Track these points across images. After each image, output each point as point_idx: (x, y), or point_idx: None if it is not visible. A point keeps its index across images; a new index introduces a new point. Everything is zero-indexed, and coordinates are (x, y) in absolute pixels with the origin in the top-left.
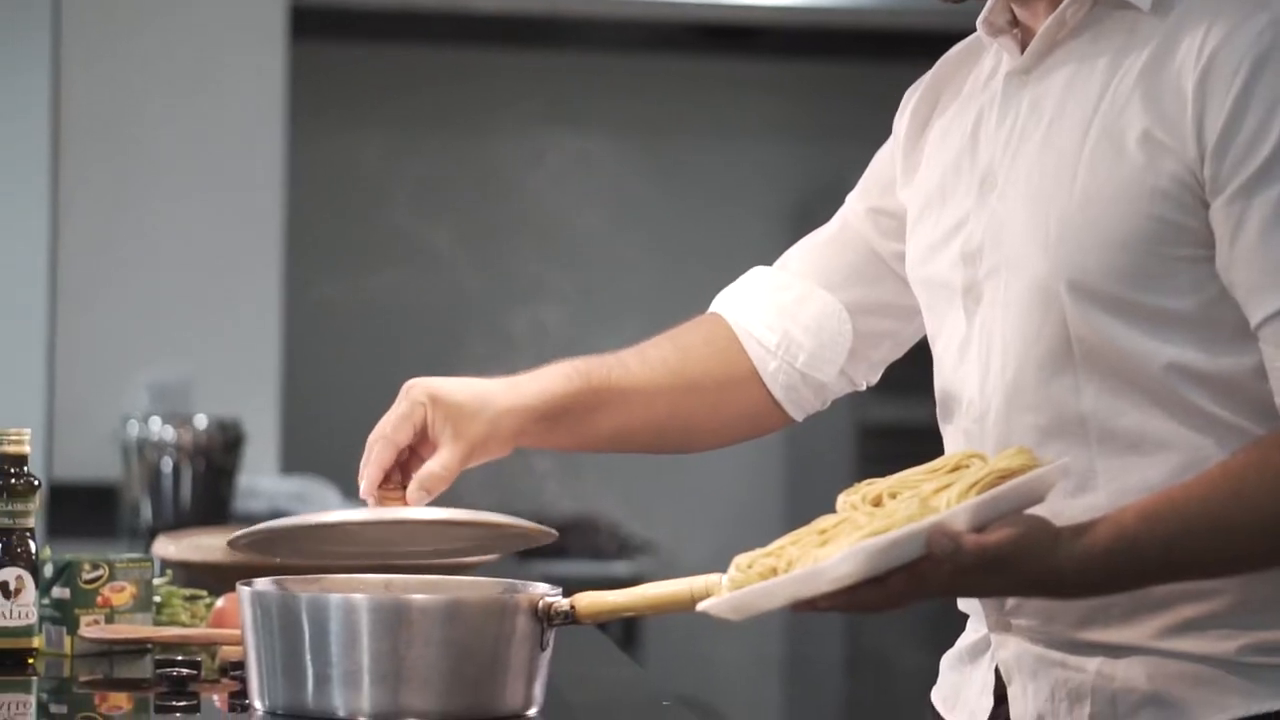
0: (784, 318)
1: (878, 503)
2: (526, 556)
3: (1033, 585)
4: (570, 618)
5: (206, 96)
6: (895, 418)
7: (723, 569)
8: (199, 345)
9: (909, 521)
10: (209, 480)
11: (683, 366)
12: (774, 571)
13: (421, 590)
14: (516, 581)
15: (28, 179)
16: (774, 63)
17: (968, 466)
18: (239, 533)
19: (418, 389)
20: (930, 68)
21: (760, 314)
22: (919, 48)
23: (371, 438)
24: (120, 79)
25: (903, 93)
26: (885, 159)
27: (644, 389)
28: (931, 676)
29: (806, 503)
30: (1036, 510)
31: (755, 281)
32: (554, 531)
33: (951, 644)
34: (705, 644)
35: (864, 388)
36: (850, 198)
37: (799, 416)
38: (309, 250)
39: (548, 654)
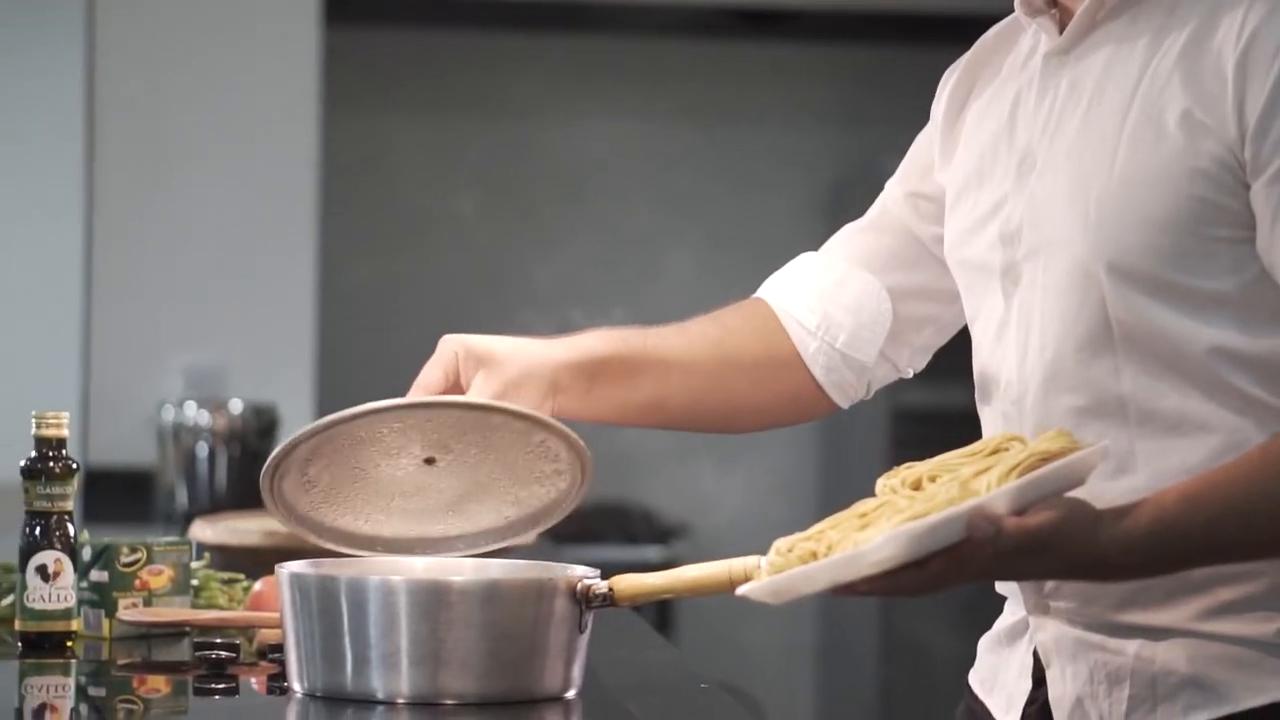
0: (824, 299)
1: (917, 486)
2: (560, 541)
3: (1074, 568)
4: (609, 600)
5: (240, 82)
6: (929, 402)
7: (757, 552)
8: (233, 330)
9: (949, 505)
10: (244, 464)
11: (723, 340)
12: (814, 555)
13: (460, 573)
14: (554, 564)
15: (63, 165)
16: (809, 47)
17: (1007, 449)
18: (278, 450)
19: (451, 339)
20: (965, 52)
21: (801, 296)
22: (954, 32)
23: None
24: (154, 65)
25: (937, 77)
26: (924, 143)
27: (683, 359)
28: (966, 660)
29: (841, 486)
30: (1076, 493)
31: (798, 266)
32: (588, 454)
33: (986, 627)
34: (739, 629)
35: (910, 374)
36: (890, 183)
37: (843, 402)
38: (343, 234)
39: (586, 636)
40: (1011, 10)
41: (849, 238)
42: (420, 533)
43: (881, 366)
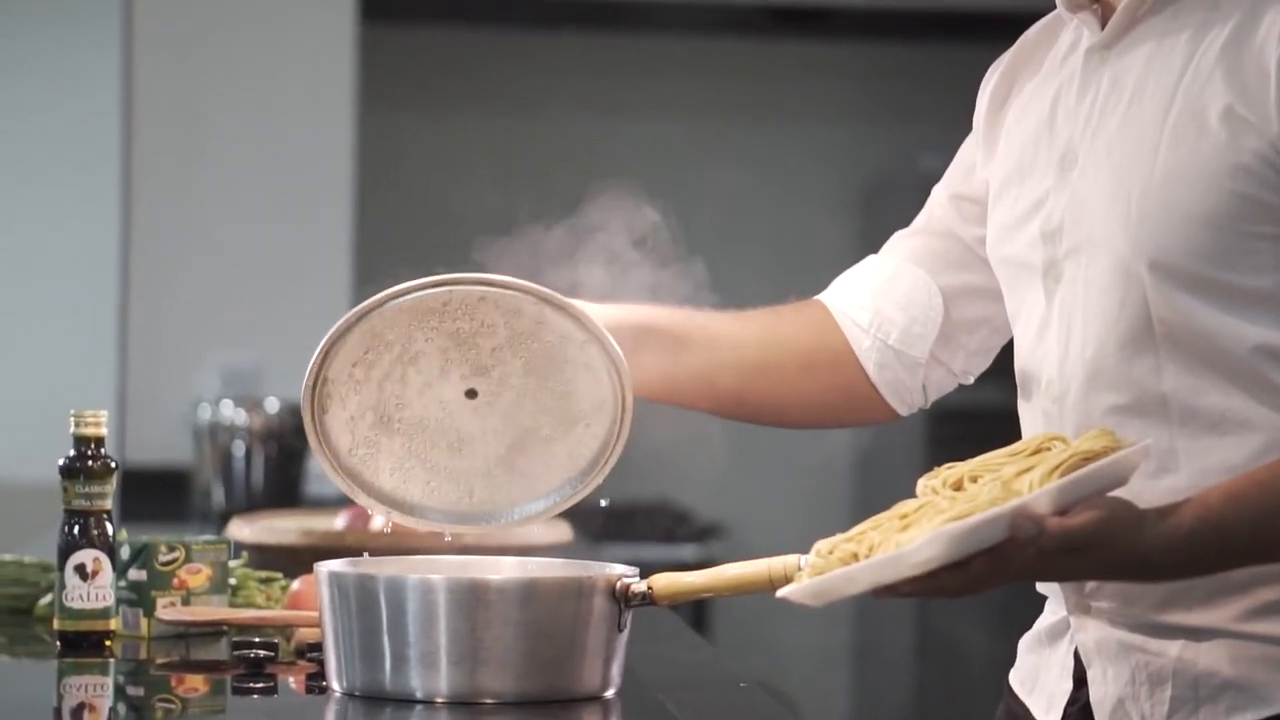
0: (877, 296)
1: (959, 486)
2: (596, 540)
3: (1117, 568)
4: (648, 599)
5: (276, 81)
6: (966, 401)
7: (793, 552)
8: (269, 329)
9: (991, 505)
10: (280, 463)
11: (775, 327)
12: (855, 557)
13: (499, 571)
14: (593, 563)
15: (100, 166)
16: (843, 46)
17: (1049, 449)
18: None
19: None
20: (1001, 50)
21: (855, 295)
22: (989, 29)
23: None
24: (191, 66)
25: (971, 75)
26: (968, 145)
27: (733, 338)
28: (1003, 660)
29: (877, 486)
30: (1118, 493)
31: (856, 267)
32: (623, 361)
33: (1022, 626)
34: (775, 628)
35: (969, 380)
36: (936, 188)
37: (899, 407)
38: (379, 233)
39: (625, 635)
40: (1051, 7)
41: (899, 242)
42: (469, 499)
43: (935, 370)
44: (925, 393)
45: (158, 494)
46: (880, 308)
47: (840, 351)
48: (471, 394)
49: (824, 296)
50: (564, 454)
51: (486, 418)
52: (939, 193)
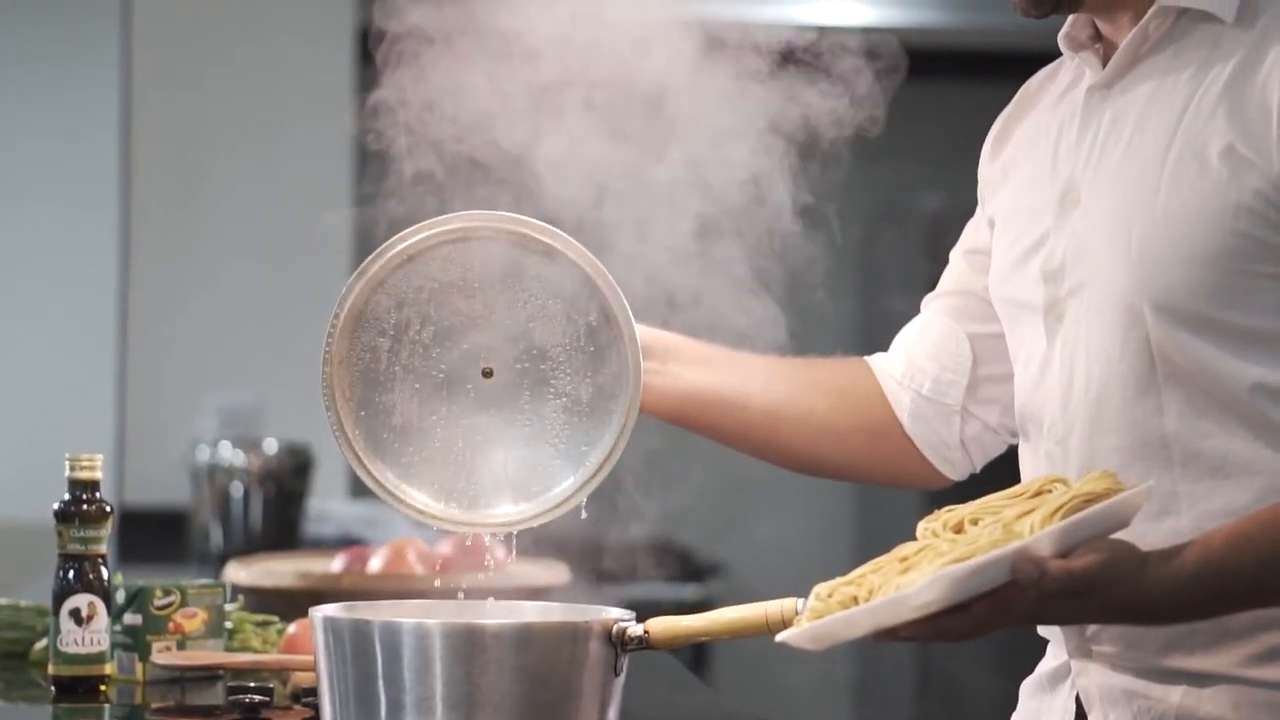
0: (909, 350)
1: (959, 529)
2: (597, 579)
3: (1120, 611)
4: (644, 643)
5: (275, 122)
6: None
7: (793, 592)
8: (268, 369)
9: (993, 547)
10: (279, 505)
11: (808, 364)
12: (855, 600)
13: (494, 616)
14: (589, 606)
15: (99, 205)
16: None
17: (1050, 491)
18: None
19: None
20: (1000, 88)
21: (892, 352)
22: (993, 68)
23: None
24: (190, 106)
25: (975, 113)
26: (981, 195)
27: (763, 365)
28: (1002, 700)
29: (876, 526)
30: (1120, 535)
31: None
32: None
33: (1023, 667)
34: (776, 667)
35: (1012, 439)
36: (954, 250)
37: (940, 464)
38: None
39: (621, 679)
40: (1049, 44)
41: (927, 303)
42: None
43: (971, 423)
44: (966, 450)
45: (156, 535)
46: (913, 359)
47: (873, 396)
48: (488, 374)
49: (867, 357)
50: (583, 435)
51: (504, 405)
52: (955, 252)
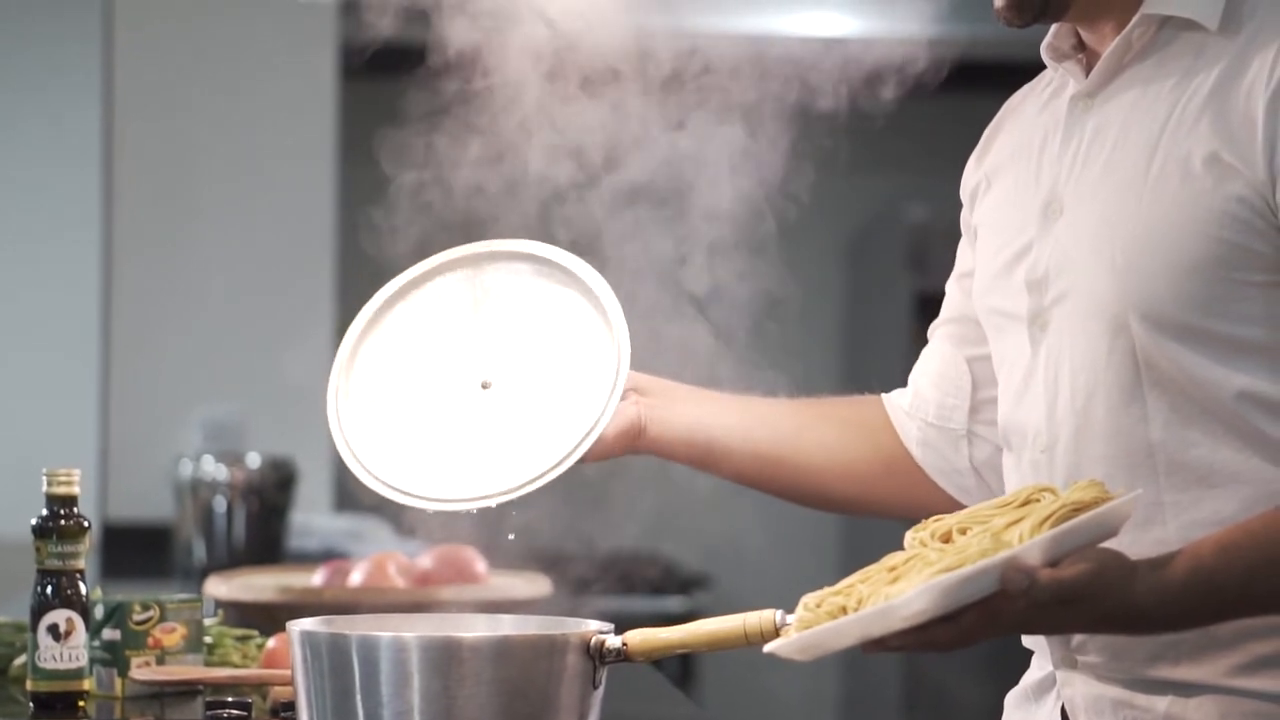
0: (915, 380)
1: (947, 539)
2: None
3: (1109, 620)
4: (622, 655)
5: (258, 137)
6: None
7: (781, 603)
8: (251, 384)
9: (981, 557)
10: (262, 519)
11: (817, 401)
12: (843, 610)
13: (472, 629)
14: (567, 619)
15: (81, 220)
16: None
17: (1038, 500)
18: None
19: None
20: (987, 101)
21: (902, 387)
22: (978, 80)
23: None
24: (172, 123)
25: (960, 125)
26: (965, 221)
27: (770, 403)
28: (989, 710)
29: (861, 538)
30: (1109, 544)
31: None
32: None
33: (1010, 677)
34: (763, 679)
35: None
36: (949, 279)
37: (954, 490)
38: (362, 288)
39: (600, 692)
40: (1035, 56)
41: (933, 330)
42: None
43: (980, 446)
44: (980, 475)
45: (140, 550)
46: (918, 389)
47: (883, 429)
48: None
49: (882, 395)
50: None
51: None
52: (950, 280)
